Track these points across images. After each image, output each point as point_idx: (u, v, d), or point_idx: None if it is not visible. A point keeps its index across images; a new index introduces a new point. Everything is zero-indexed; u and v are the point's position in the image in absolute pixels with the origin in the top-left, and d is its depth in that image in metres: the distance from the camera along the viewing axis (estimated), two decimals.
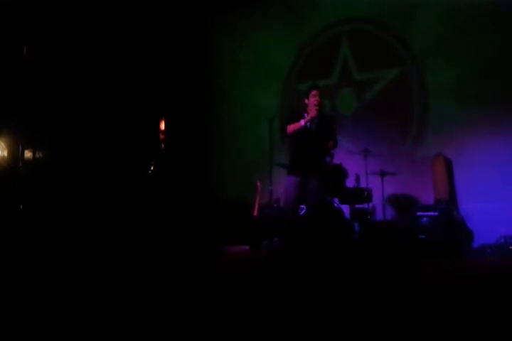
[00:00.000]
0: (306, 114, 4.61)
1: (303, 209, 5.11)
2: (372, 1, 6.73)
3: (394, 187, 6.22)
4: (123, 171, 6.42)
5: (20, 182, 5.57)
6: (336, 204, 5.74)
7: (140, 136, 6.80)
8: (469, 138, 5.98)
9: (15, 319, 2.56)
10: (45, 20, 5.99)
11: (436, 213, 5.55)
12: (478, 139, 5.90)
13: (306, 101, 4.63)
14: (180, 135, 7.47)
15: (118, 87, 6.64)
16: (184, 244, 5.95)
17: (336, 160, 5.93)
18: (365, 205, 6.00)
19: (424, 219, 5.56)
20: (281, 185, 5.01)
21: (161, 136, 7.26)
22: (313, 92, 4.62)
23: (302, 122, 4.55)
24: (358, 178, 5.97)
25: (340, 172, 5.94)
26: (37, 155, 5.81)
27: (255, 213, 6.58)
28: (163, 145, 7.25)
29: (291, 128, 4.61)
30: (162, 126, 7.32)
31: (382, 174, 5.97)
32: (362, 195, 5.90)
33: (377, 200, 6.11)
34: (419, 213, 5.63)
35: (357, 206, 6.02)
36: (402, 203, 6.18)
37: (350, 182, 6.04)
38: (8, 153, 5.70)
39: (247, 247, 6.25)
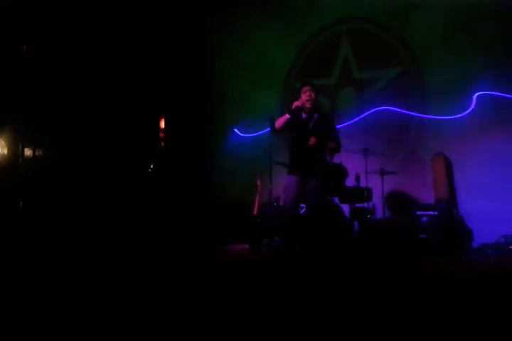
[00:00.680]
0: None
1: (303, 209, 5.11)
2: (373, 0, 6.74)
3: (394, 186, 6.23)
4: (122, 169, 6.42)
5: (20, 180, 5.57)
6: (335, 204, 5.74)
7: (140, 135, 6.79)
8: (469, 138, 5.98)
9: (15, 318, 2.55)
10: (45, 20, 5.99)
11: (436, 212, 5.54)
12: (478, 139, 5.90)
13: (300, 98, 4.65)
14: (180, 134, 7.46)
15: (118, 86, 6.64)
16: (184, 243, 5.94)
17: (336, 160, 5.94)
18: (365, 204, 6.00)
19: (424, 218, 5.56)
20: (282, 184, 5.01)
21: (161, 135, 7.27)
22: (304, 88, 4.64)
23: (287, 115, 4.57)
24: (357, 177, 5.97)
25: (340, 171, 5.94)
26: (37, 153, 5.81)
27: (255, 212, 6.58)
28: (162, 144, 7.25)
29: (278, 122, 4.63)
30: (162, 124, 7.32)
31: (382, 173, 5.97)
32: (362, 194, 5.90)
33: (377, 199, 6.11)
34: (419, 212, 5.63)
35: (357, 205, 6.03)
36: (402, 202, 6.18)
37: (350, 182, 6.04)
38: (8, 151, 5.69)
39: (247, 246, 6.25)
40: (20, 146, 5.63)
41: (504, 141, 5.80)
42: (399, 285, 3.43)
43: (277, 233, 5.73)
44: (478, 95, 6.01)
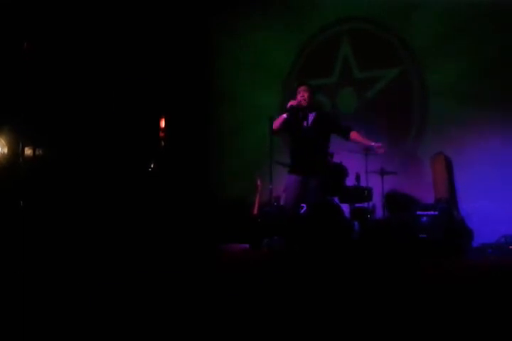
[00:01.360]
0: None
1: (303, 208, 5.11)
2: (373, 0, 6.74)
3: (394, 186, 6.22)
4: (123, 168, 6.42)
5: (21, 179, 5.57)
6: (335, 203, 5.74)
7: (140, 134, 6.80)
8: (469, 137, 5.98)
9: (15, 318, 2.55)
10: (45, 19, 6.00)
11: (436, 212, 5.54)
12: (478, 139, 5.90)
13: (296, 98, 4.65)
14: (181, 134, 7.47)
15: (118, 85, 6.65)
16: (184, 243, 5.94)
17: (337, 159, 5.94)
18: (365, 204, 6.00)
19: (424, 218, 5.56)
20: (282, 183, 5.01)
21: (161, 134, 7.27)
22: (299, 88, 4.66)
23: (284, 115, 4.57)
24: (358, 177, 5.97)
25: (341, 171, 5.94)
26: (37, 153, 5.81)
27: (255, 212, 6.58)
28: (163, 143, 7.25)
29: (275, 123, 4.63)
30: (162, 124, 7.32)
31: (383, 173, 5.96)
32: (362, 194, 5.90)
33: (377, 199, 6.10)
34: (419, 212, 5.63)
35: (357, 205, 6.02)
36: (402, 202, 6.18)
37: (350, 181, 6.04)
38: (8, 150, 5.69)
39: (247, 246, 6.25)
40: (21, 145, 5.63)
41: (504, 141, 5.80)
42: (399, 285, 3.43)
43: (277, 233, 5.72)
44: (477, 95, 6.01)
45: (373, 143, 4.76)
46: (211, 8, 7.85)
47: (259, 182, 6.70)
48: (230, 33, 7.83)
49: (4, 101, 5.66)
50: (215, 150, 7.77)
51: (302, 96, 4.59)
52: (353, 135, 4.69)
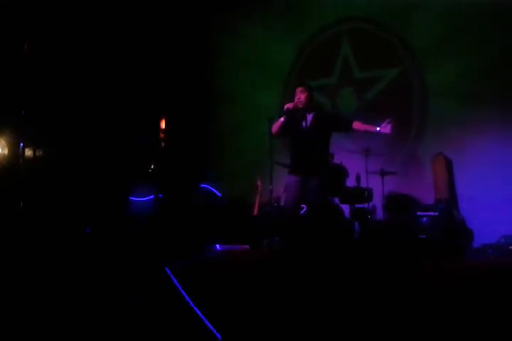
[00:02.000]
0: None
1: (303, 209, 5.11)
2: (373, 0, 6.74)
3: (394, 186, 6.22)
4: (123, 169, 6.42)
5: (21, 180, 5.57)
6: (336, 204, 5.74)
7: (140, 134, 6.80)
8: (469, 137, 5.98)
9: (15, 317, 2.55)
10: (46, 19, 6.00)
11: (436, 213, 5.53)
12: (478, 139, 5.90)
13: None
14: (181, 134, 7.47)
15: (119, 86, 6.65)
16: (183, 243, 5.94)
17: (337, 160, 5.95)
18: (366, 205, 6.00)
19: (425, 218, 5.56)
20: (282, 184, 5.01)
21: (161, 135, 7.27)
22: (297, 90, 4.64)
23: (282, 118, 4.56)
24: (358, 178, 5.97)
25: (341, 171, 5.94)
26: (37, 154, 5.81)
27: (255, 212, 6.58)
28: (163, 144, 7.26)
29: (274, 126, 4.62)
30: (162, 124, 7.32)
31: (383, 173, 5.96)
32: (362, 194, 5.90)
33: (377, 200, 6.10)
34: (419, 213, 5.62)
35: (357, 205, 6.02)
36: (403, 203, 6.18)
37: (350, 182, 6.04)
38: (8, 151, 5.70)
39: (247, 246, 6.25)
40: (21, 146, 5.63)
41: (504, 141, 5.80)
42: (399, 285, 3.43)
43: (277, 233, 5.72)
44: (477, 95, 6.01)
45: (378, 128, 4.53)
46: (211, 8, 7.85)
47: (259, 183, 6.70)
48: (230, 32, 7.83)
49: (5, 102, 5.66)
50: (215, 150, 7.78)
51: (298, 98, 4.58)
52: (356, 125, 4.62)
